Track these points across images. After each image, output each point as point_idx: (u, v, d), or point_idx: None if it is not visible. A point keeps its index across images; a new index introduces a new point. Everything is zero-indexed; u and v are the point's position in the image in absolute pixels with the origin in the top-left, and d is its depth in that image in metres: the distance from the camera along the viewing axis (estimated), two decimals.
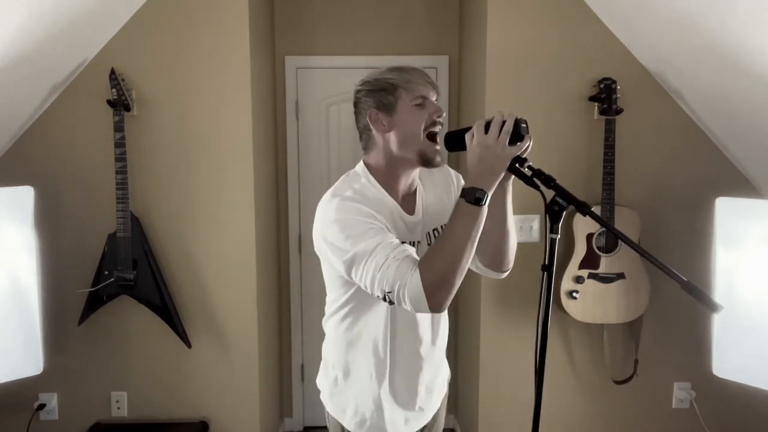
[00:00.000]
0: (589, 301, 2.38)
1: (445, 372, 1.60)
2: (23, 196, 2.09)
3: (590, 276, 2.38)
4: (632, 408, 2.64)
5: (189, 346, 2.53)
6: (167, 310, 2.45)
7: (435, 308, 1.17)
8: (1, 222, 2.05)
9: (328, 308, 1.48)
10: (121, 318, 2.53)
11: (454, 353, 3.22)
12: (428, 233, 1.41)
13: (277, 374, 3.11)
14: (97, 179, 2.46)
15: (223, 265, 2.53)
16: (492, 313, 2.56)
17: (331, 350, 1.50)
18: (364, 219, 1.25)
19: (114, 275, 2.38)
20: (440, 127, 1.35)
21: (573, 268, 2.38)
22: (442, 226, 1.43)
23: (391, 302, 1.20)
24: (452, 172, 1.56)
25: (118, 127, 2.33)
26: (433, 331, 1.47)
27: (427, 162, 1.35)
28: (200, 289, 2.54)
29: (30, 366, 2.14)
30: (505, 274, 1.49)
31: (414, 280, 1.15)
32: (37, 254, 2.14)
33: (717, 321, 2.07)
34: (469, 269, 1.27)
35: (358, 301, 1.38)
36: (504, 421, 2.62)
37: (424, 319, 1.44)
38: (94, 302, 2.42)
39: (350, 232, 1.24)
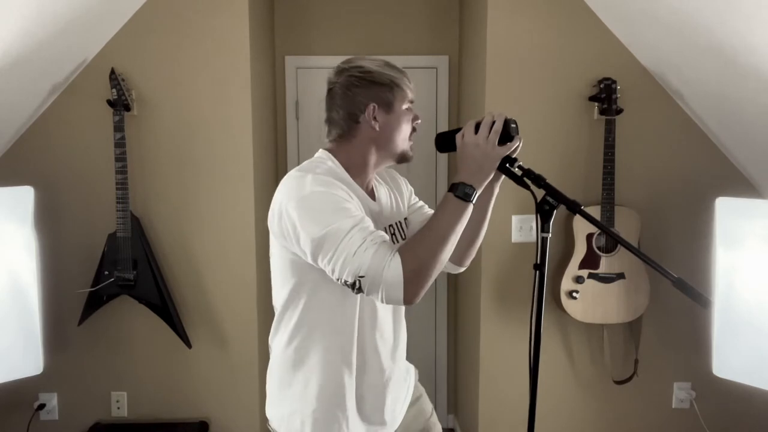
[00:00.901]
0: (589, 301, 2.38)
1: (410, 377, 1.56)
2: (23, 196, 2.09)
3: (590, 276, 2.38)
4: (632, 408, 2.64)
5: (189, 346, 2.53)
6: (167, 310, 2.45)
7: (409, 298, 1.11)
8: (1, 222, 2.04)
9: (279, 316, 1.34)
10: (121, 318, 2.53)
11: (454, 353, 3.22)
12: (386, 228, 1.38)
13: None
14: (97, 179, 2.46)
15: (223, 265, 2.53)
16: (492, 313, 2.56)
17: (281, 370, 1.35)
18: (338, 195, 1.18)
19: (114, 275, 2.38)
20: (415, 132, 1.38)
21: (573, 268, 2.38)
22: (398, 222, 1.43)
23: (359, 290, 1.12)
24: (401, 177, 1.57)
25: (118, 127, 2.33)
26: (396, 332, 1.42)
27: (404, 159, 1.36)
28: (200, 289, 2.54)
29: (30, 366, 2.13)
30: (463, 270, 1.50)
31: (393, 266, 1.09)
32: (37, 254, 2.13)
33: (717, 321, 2.07)
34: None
35: (320, 300, 1.27)
36: (504, 421, 2.62)
37: (386, 319, 1.37)
38: (94, 302, 2.42)
39: (325, 207, 1.16)
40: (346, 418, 1.32)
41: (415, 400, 1.57)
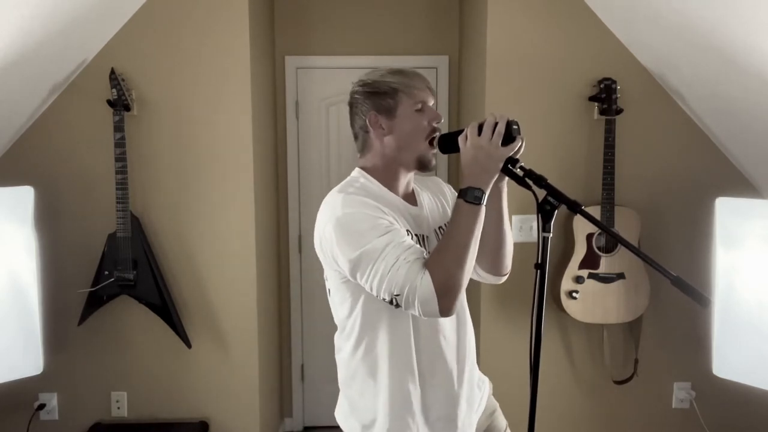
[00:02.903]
0: (589, 301, 2.38)
1: (485, 387, 1.54)
2: (23, 196, 2.09)
3: (590, 276, 2.38)
4: (632, 408, 2.64)
5: (189, 346, 2.53)
6: (167, 310, 2.45)
7: (445, 310, 1.14)
8: (1, 222, 2.04)
9: (340, 331, 1.38)
10: (121, 318, 2.53)
11: None
12: (436, 230, 1.40)
13: (277, 374, 3.11)
14: (97, 179, 2.46)
15: (223, 265, 2.52)
16: (492, 313, 2.56)
17: (353, 383, 1.39)
18: (371, 213, 1.21)
19: (114, 275, 2.38)
20: (438, 132, 1.37)
21: (573, 268, 2.38)
22: (446, 224, 1.42)
23: (397, 305, 1.17)
24: (443, 182, 1.58)
25: (118, 127, 2.33)
26: (459, 333, 1.40)
27: (423, 166, 1.36)
28: (200, 289, 2.54)
29: (30, 366, 2.13)
30: (504, 278, 1.48)
31: (425, 282, 1.12)
32: (37, 254, 2.13)
33: (717, 321, 2.07)
34: (471, 278, 1.26)
35: (375, 312, 1.30)
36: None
37: (449, 324, 1.37)
38: (94, 302, 2.42)
39: (357, 227, 1.20)
40: (416, 424, 1.34)
41: (489, 414, 1.55)
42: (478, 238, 1.20)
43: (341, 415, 1.44)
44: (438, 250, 1.19)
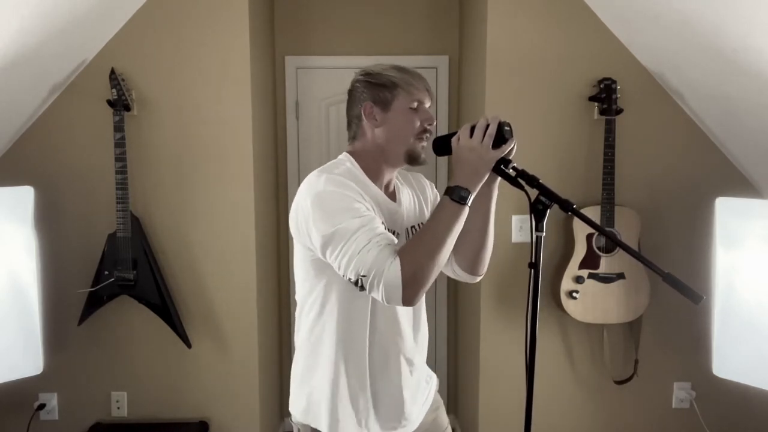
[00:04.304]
0: (589, 301, 2.38)
1: (432, 384, 1.57)
2: (23, 196, 2.09)
3: (590, 276, 2.38)
4: (632, 408, 2.64)
5: (189, 346, 2.53)
6: (167, 310, 2.45)
7: (408, 300, 1.15)
8: (1, 222, 2.05)
9: (300, 311, 1.41)
10: (121, 318, 2.53)
11: (454, 353, 3.22)
12: (407, 229, 1.41)
13: (277, 374, 3.11)
14: (97, 179, 2.46)
15: (223, 265, 2.53)
16: (492, 313, 2.56)
17: (304, 360, 1.43)
18: (351, 195, 1.23)
19: (114, 275, 2.38)
20: (429, 134, 1.37)
21: (573, 268, 2.38)
22: (420, 224, 1.44)
23: (362, 287, 1.17)
24: (427, 180, 1.59)
25: (118, 127, 2.33)
26: (414, 328, 1.44)
27: (413, 159, 1.37)
28: (200, 289, 2.54)
29: (30, 366, 2.14)
30: (479, 278, 1.49)
31: (393, 269, 1.13)
32: (37, 254, 2.14)
33: (717, 321, 2.07)
34: (442, 274, 1.27)
35: (336, 293, 1.32)
36: (504, 421, 2.62)
37: (405, 317, 1.40)
38: (94, 302, 2.42)
39: (336, 205, 1.21)
40: (364, 410, 1.37)
41: (434, 410, 1.56)
42: (455, 237, 1.21)
43: (293, 395, 1.48)
44: (413, 241, 1.22)
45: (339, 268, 1.20)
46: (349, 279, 1.19)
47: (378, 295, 1.16)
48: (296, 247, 1.36)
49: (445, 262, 1.21)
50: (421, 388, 1.50)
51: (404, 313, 1.40)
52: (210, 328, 2.56)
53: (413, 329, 1.44)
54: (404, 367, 1.41)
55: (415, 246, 1.18)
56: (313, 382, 1.40)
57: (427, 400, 1.54)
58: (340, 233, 1.18)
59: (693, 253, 2.52)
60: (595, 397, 2.63)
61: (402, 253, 1.16)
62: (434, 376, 1.60)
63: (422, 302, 1.45)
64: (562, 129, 2.47)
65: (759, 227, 1.96)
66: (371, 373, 1.37)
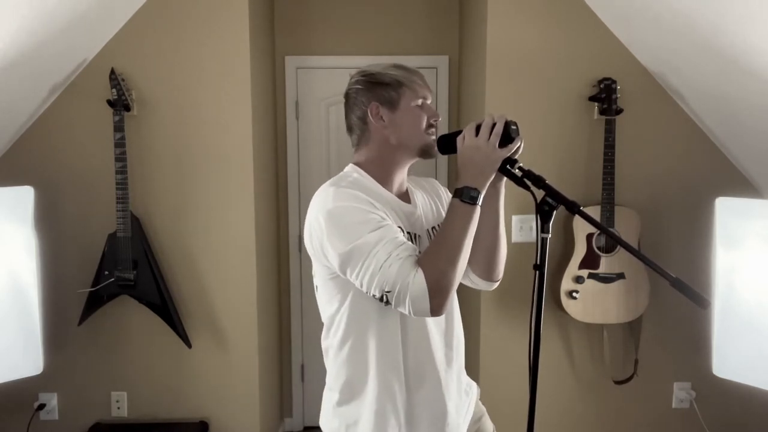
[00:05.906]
0: (589, 301, 2.38)
1: (472, 393, 1.51)
2: (23, 196, 2.09)
3: (590, 276, 2.38)
4: (632, 408, 2.64)
5: (189, 346, 2.53)
6: (167, 310, 2.45)
7: (436, 309, 1.13)
8: (1, 222, 2.04)
9: (327, 332, 1.35)
10: (121, 318, 2.53)
11: None
12: (428, 230, 1.38)
13: (277, 374, 3.11)
14: (97, 179, 2.46)
15: (223, 265, 2.53)
16: (492, 313, 2.56)
17: (336, 383, 1.35)
18: (363, 207, 1.19)
19: (114, 275, 2.38)
20: (434, 129, 1.35)
21: (573, 268, 2.38)
22: (439, 225, 1.40)
23: (387, 302, 1.15)
24: (439, 184, 1.57)
25: (118, 127, 2.33)
26: (447, 340, 1.38)
27: (427, 153, 1.34)
28: (200, 289, 2.54)
29: (30, 366, 2.14)
30: (496, 285, 1.45)
31: (417, 280, 1.11)
32: (37, 254, 2.13)
33: (717, 321, 2.07)
34: (461, 284, 1.24)
35: (360, 308, 1.27)
36: (504, 421, 2.61)
37: (436, 327, 1.35)
38: (94, 302, 2.42)
39: (349, 220, 1.18)
40: (401, 428, 1.31)
41: (476, 420, 1.52)
42: (472, 239, 1.19)
43: (325, 418, 1.39)
44: (431, 249, 1.18)
45: (362, 286, 1.17)
46: (374, 296, 1.16)
47: (405, 308, 1.14)
48: (315, 267, 1.32)
49: (465, 266, 1.18)
50: (462, 401, 1.44)
51: (434, 321, 1.35)
52: (210, 328, 2.56)
53: (446, 338, 1.38)
54: (441, 380, 1.34)
55: (434, 254, 1.16)
56: (350, 407, 1.32)
57: (468, 413, 1.48)
58: (358, 250, 1.15)
59: (693, 253, 2.52)
60: (595, 397, 2.62)
61: (422, 263, 1.14)
62: (474, 385, 1.54)
63: (455, 308, 1.41)
64: (562, 129, 2.47)
65: (759, 227, 1.96)
66: (408, 388, 1.31)
